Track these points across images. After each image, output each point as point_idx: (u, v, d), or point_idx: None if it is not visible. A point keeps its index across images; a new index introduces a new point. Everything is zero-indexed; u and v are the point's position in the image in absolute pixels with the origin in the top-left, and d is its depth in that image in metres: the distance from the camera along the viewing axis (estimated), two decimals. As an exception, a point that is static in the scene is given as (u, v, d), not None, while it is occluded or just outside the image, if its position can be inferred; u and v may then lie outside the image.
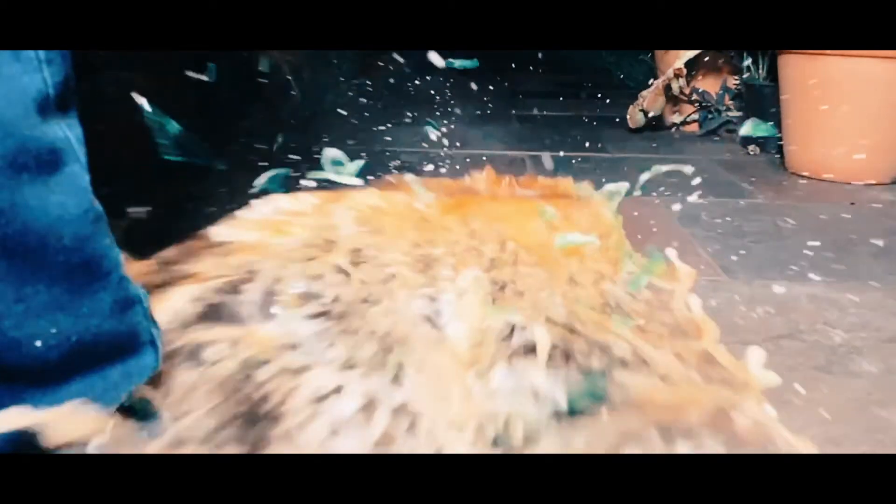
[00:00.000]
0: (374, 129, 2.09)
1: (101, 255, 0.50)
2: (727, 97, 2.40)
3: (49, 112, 0.47)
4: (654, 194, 1.63)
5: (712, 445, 0.58)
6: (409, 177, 0.80)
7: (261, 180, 0.79)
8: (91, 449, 0.50)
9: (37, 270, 0.47)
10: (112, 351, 0.52)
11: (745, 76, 2.29)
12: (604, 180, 1.22)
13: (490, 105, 2.66)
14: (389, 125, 2.14)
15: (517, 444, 0.55)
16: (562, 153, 2.06)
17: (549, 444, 0.55)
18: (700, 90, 2.42)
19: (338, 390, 0.56)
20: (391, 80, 2.63)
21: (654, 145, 2.25)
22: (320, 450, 0.52)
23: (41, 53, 0.46)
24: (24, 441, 0.48)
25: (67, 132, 0.48)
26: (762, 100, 2.15)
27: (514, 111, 2.71)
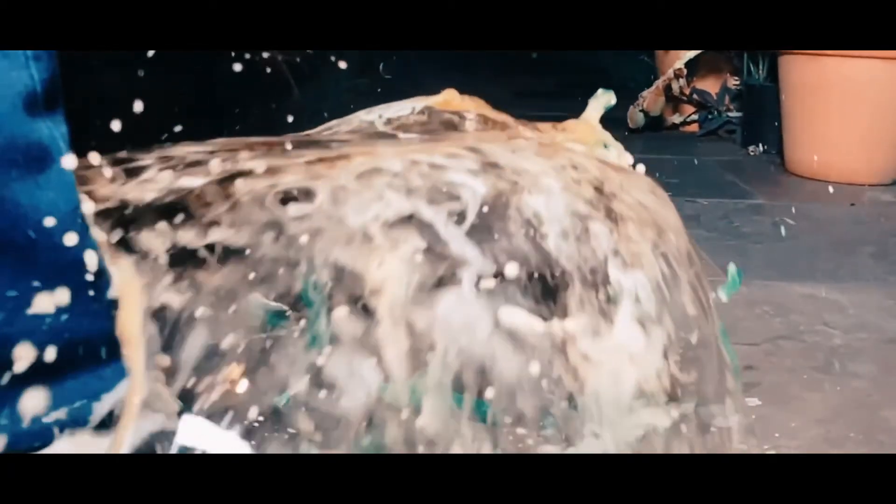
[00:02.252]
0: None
1: (93, 253, 0.50)
2: (727, 98, 2.40)
3: (36, 109, 0.47)
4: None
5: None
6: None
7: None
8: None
9: (28, 268, 0.47)
10: (107, 350, 0.52)
11: (745, 77, 2.29)
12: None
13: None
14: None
15: None
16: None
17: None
18: (700, 90, 2.42)
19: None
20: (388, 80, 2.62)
21: (654, 146, 2.25)
22: None
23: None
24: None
25: (54, 130, 0.48)
26: (762, 101, 2.15)
27: (513, 112, 2.70)
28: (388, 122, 0.62)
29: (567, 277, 0.41)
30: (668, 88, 2.39)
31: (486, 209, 0.40)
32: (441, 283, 0.38)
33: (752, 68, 2.25)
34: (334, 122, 0.65)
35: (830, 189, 1.79)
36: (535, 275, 0.40)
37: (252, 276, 0.36)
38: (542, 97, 3.03)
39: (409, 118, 0.61)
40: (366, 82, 2.78)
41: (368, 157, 0.44)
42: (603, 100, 0.74)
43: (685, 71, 2.35)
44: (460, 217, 0.40)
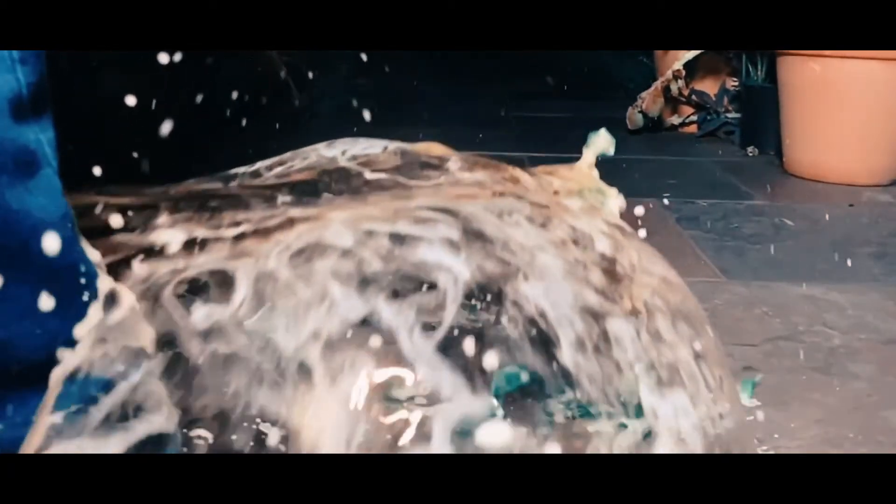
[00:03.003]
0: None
1: (84, 258, 0.50)
2: (726, 99, 2.40)
3: (23, 113, 0.46)
4: (654, 197, 1.63)
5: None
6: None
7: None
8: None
9: (21, 273, 0.47)
10: None
11: (743, 78, 2.29)
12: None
13: (486, 106, 2.66)
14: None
15: None
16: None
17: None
18: (699, 92, 2.43)
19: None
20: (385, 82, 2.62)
21: (653, 147, 2.25)
22: None
23: (14, 53, 0.46)
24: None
25: (40, 135, 0.48)
26: (761, 102, 2.15)
27: (511, 112, 2.71)
28: (353, 158, 0.53)
29: (593, 410, 0.28)
30: (666, 90, 2.39)
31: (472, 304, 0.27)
32: (401, 435, 0.25)
33: (750, 69, 2.25)
34: (288, 154, 0.57)
35: (828, 190, 1.79)
36: (554, 411, 0.27)
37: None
38: (541, 98, 3.03)
39: (378, 157, 0.51)
40: (364, 83, 2.78)
41: (312, 226, 0.33)
42: (601, 145, 0.65)
43: (684, 72, 2.35)
44: (434, 318, 0.28)
